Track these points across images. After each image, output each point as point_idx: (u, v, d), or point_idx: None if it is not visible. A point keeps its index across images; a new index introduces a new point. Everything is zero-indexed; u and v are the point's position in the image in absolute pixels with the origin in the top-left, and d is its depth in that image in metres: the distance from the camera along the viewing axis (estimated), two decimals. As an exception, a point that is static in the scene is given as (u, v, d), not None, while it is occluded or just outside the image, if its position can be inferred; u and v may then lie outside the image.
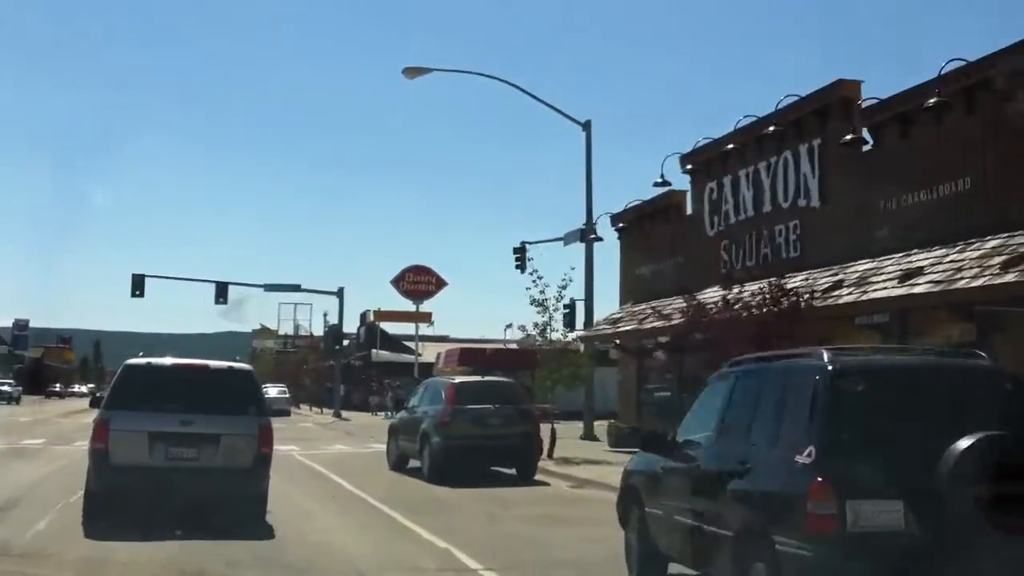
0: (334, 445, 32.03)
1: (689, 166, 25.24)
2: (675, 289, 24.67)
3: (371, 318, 67.53)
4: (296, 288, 54.83)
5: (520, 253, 39.02)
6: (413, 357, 69.86)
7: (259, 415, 12.52)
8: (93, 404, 16.25)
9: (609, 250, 33.82)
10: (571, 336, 29.29)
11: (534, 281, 24.68)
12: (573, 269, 25.85)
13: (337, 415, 54.84)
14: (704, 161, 24.31)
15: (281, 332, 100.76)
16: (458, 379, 20.33)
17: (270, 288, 54.03)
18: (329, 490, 18.63)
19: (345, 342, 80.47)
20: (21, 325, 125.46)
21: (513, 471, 19.98)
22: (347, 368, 73.08)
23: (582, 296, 31.51)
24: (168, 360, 13.58)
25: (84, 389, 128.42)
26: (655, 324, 24.04)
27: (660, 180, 24.92)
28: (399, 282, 56.25)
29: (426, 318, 57.29)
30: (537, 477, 19.89)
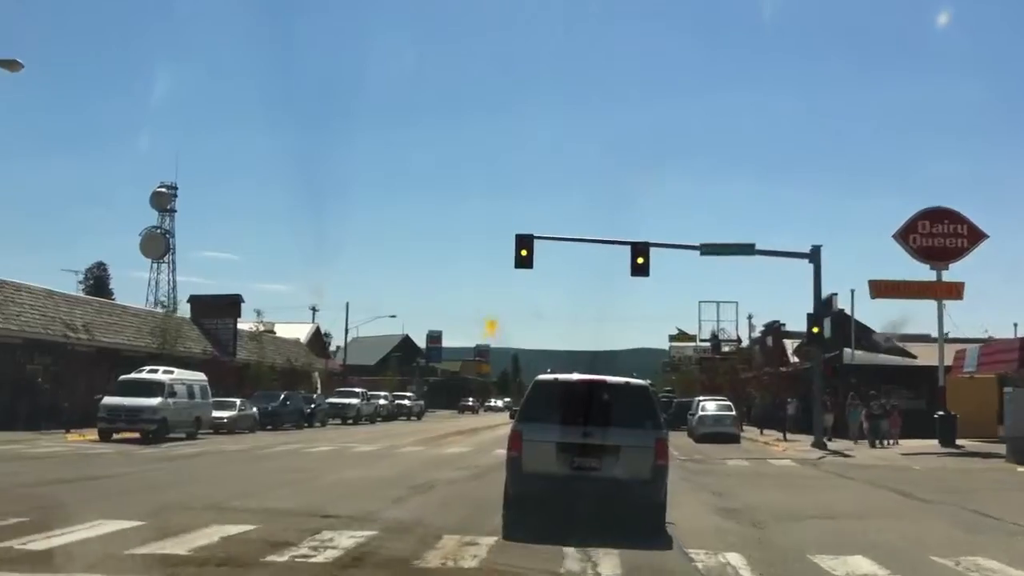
0: (965, 557, 10.61)
1: None
2: None
3: (837, 304, 44.73)
4: (748, 249, 34.06)
5: None
6: (903, 359, 47.27)
7: (655, 428, 12.38)
8: (512, 416, 16.06)
9: None
10: None
11: None
12: None
13: (821, 445, 33.24)
14: None
15: (703, 336, 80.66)
16: None
17: (708, 250, 33.80)
18: None
19: (791, 343, 59.13)
20: (434, 337, 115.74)
21: None
22: (796, 377, 51.37)
23: None
24: (574, 376, 13.43)
25: (500, 403, 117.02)
26: None
27: None
28: (908, 235, 33.92)
29: (954, 291, 34.11)
30: None
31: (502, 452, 29.63)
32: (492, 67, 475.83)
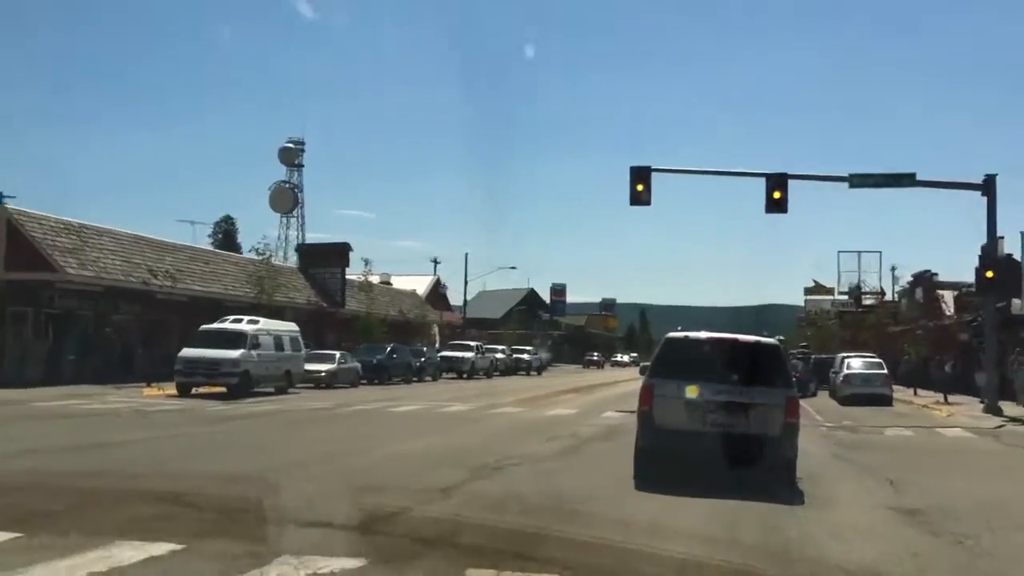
0: None
1: None
2: None
3: (1004, 249, 38.15)
4: (906, 180, 28.23)
5: None
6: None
7: (785, 387, 12.26)
8: (642, 372, 14.84)
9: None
10: None
11: None
12: None
13: (995, 410, 27.48)
14: None
15: (841, 289, 73.62)
16: None
17: (858, 182, 28.09)
18: None
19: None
20: (558, 290, 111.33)
21: None
22: (956, 331, 45.05)
23: None
24: (703, 334, 13.44)
25: (626, 358, 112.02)
26: None
27: None
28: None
29: None
30: None
31: (612, 415, 25.30)
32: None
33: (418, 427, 19.77)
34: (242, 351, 29.08)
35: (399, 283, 72.07)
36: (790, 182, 27.37)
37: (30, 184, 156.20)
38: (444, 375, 51.10)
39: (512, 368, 63.48)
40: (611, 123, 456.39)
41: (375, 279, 60.40)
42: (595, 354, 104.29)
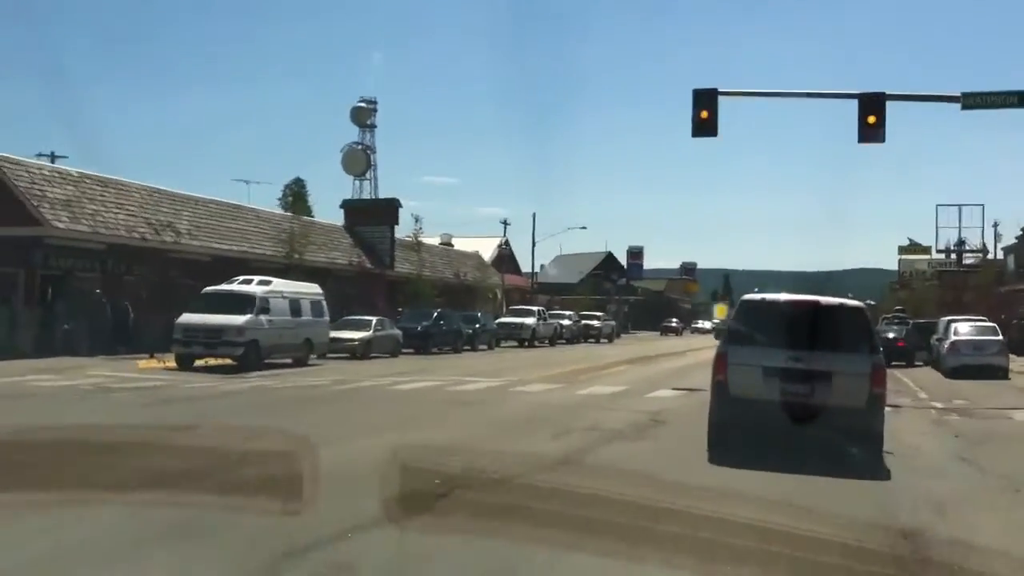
0: None
1: None
2: None
3: None
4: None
5: None
6: None
7: (871, 353, 11.16)
8: (716, 337, 13.84)
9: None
10: None
11: None
12: None
13: None
14: None
15: (939, 247, 67.05)
16: None
17: (972, 102, 22.23)
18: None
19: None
20: (635, 252, 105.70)
21: None
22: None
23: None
24: (782, 296, 12.51)
25: (707, 325, 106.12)
26: None
27: None
28: None
29: None
30: None
31: (663, 395, 20.22)
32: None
33: (403, 413, 15.42)
34: (248, 317, 25.29)
35: (465, 245, 68.10)
36: (888, 104, 22.16)
37: (87, 144, 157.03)
38: (504, 343, 46.95)
39: (580, 335, 58.84)
40: (695, 76, 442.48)
41: (435, 241, 56.44)
42: (673, 320, 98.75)
